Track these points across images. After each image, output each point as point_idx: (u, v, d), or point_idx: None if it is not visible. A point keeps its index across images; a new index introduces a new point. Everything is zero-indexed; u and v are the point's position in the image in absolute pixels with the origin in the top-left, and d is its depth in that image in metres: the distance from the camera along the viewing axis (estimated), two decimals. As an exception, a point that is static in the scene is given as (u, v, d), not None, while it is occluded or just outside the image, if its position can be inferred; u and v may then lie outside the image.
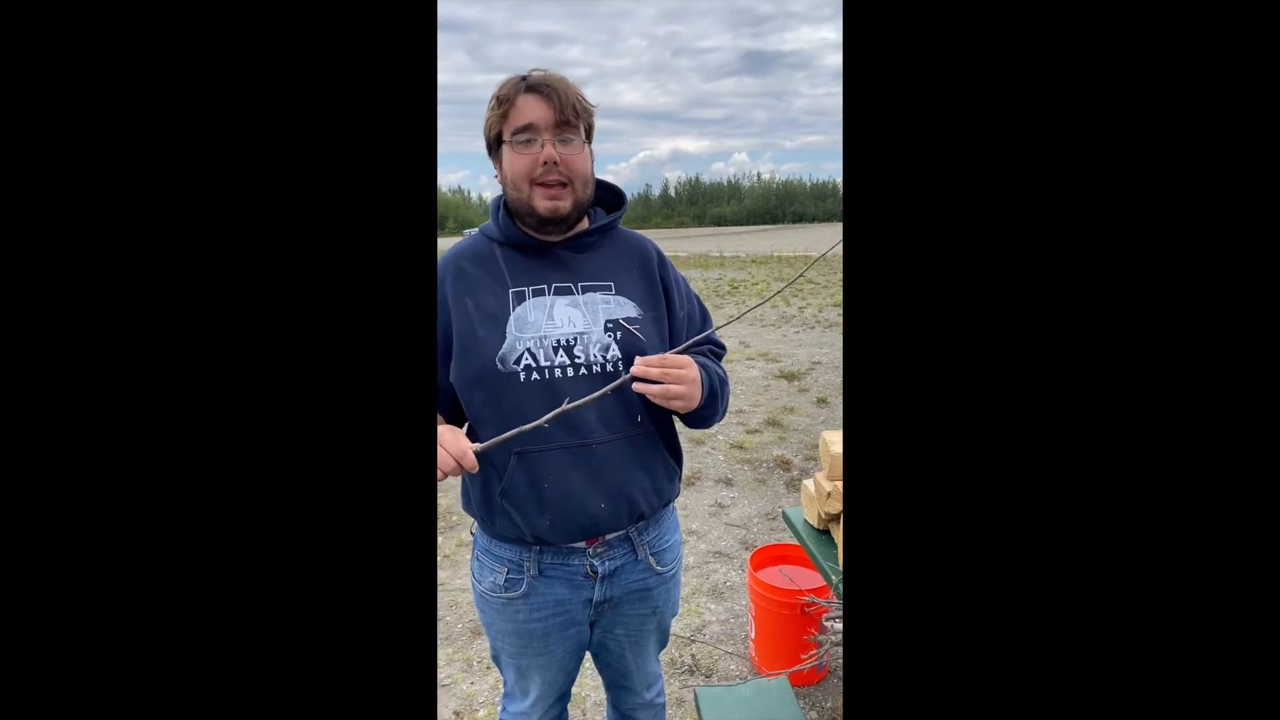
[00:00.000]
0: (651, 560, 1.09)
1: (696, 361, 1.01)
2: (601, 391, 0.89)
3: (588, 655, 1.19)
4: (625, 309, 1.04)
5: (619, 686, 1.25)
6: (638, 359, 0.92)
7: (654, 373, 0.91)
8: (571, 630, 1.07)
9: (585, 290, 1.03)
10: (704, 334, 1.05)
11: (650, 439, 1.04)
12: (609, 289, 1.04)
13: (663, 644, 1.24)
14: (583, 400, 0.87)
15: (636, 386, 0.92)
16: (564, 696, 1.19)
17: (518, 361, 0.97)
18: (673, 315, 1.09)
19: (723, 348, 1.18)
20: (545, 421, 0.86)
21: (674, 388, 0.92)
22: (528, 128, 0.96)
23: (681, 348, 0.97)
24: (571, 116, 0.97)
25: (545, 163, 0.96)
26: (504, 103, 0.97)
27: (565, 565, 1.04)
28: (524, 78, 0.98)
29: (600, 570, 1.05)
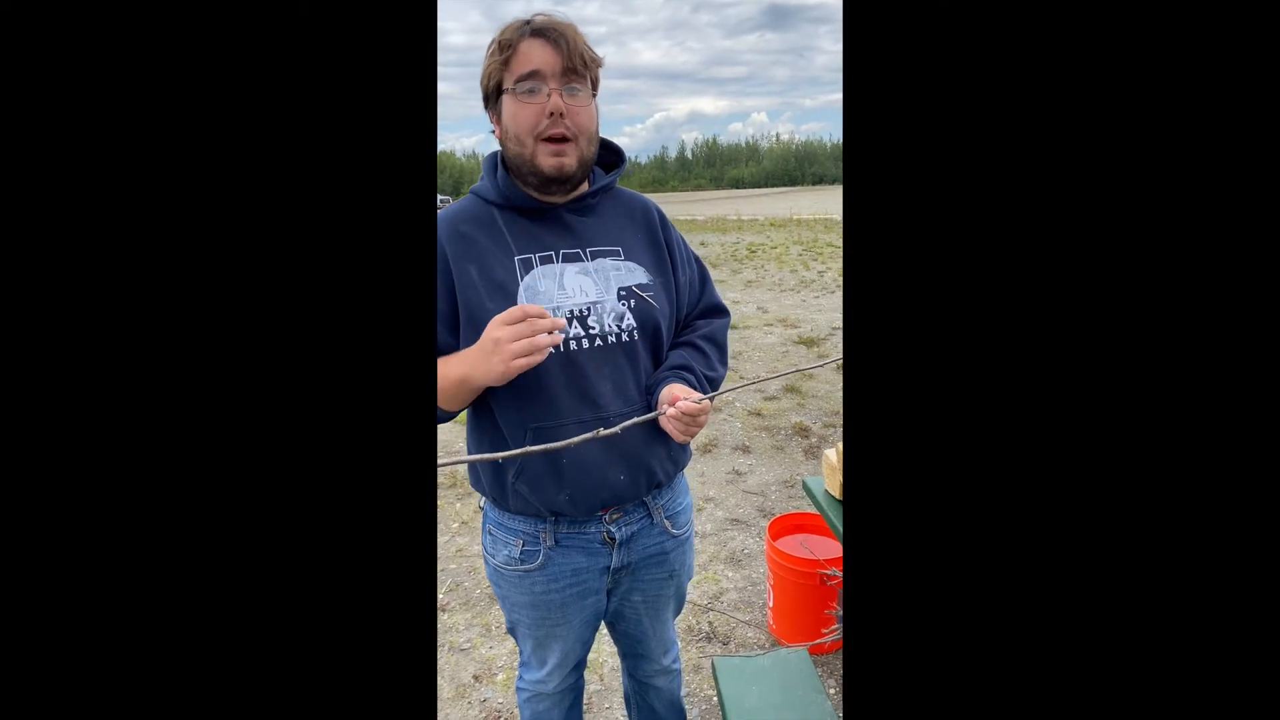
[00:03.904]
0: (667, 523, 1.08)
1: (685, 377, 1.00)
2: (631, 422, 0.85)
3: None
4: (636, 275, 1.00)
5: (636, 655, 1.25)
6: (677, 404, 0.90)
7: (682, 426, 0.92)
8: (589, 600, 1.07)
9: (594, 256, 0.99)
10: (719, 388, 1.02)
11: (654, 408, 1.02)
12: (618, 254, 1.00)
13: (679, 609, 1.23)
14: (619, 427, 0.83)
15: (663, 423, 0.92)
16: (580, 664, 1.20)
17: None
18: (676, 280, 1.06)
19: (727, 314, 1.15)
20: (577, 442, 0.81)
21: (693, 430, 0.94)
22: (533, 75, 0.89)
23: (713, 395, 0.94)
24: (579, 65, 0.90)
25: (551, 114, 0.89)
26: (506, 48, 0.89)
27: (582, 534, 1.03)
28: (528, 21, 0.90)
29: (617, 536, 1.04)
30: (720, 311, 1.14)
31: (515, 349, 0.82)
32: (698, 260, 1.13)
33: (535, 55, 0.89)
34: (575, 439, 0.76)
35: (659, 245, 1.05)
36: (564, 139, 0.91)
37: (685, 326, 1.11)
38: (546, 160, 0.92)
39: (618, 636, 1.24)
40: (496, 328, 0.84)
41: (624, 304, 0.98)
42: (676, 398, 0.91)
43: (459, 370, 0.88)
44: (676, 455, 1.06)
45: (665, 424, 0.92)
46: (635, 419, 0.87)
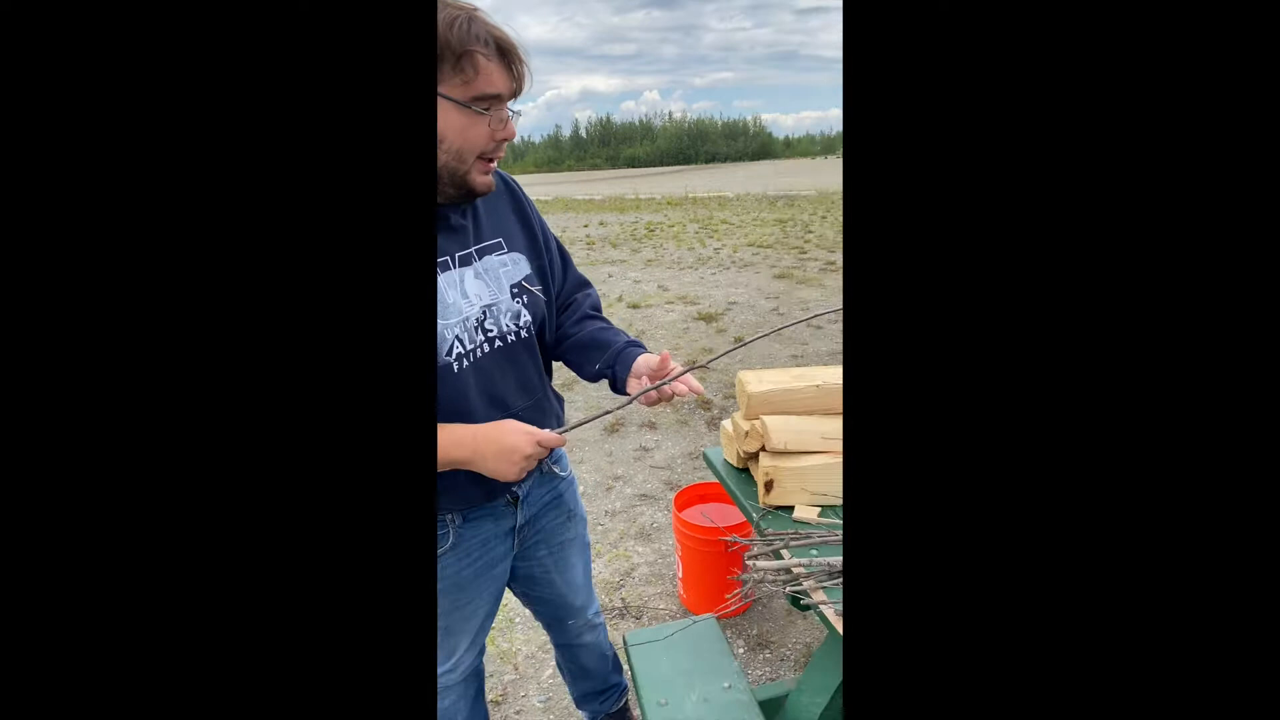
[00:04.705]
0: (554, 469, 1.15)
1: (643, 347, 1.05)
2: (652, 387, 0.95)
3: (520, 608, 1.19)
4: (521, 267, 1.00)
5: (557, 619, 1.27)
6: (690, 385, 0.96)
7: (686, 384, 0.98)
8: (497, 569, 1.08)
9: (482, 255, 0.97)
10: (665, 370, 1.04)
11: (548, 392, 1.06)
12: (501, 248, 0.99)
13: (585, 555, 1.26)
14: (633, 398, 0.98)
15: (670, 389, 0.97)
16: (482, 648, 1.21)
17: (449, 352, 0.90)
18: (549, 258, 1.07)
19: (591, 284, 1.18)
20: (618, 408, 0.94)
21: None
22: (495, 97, 0.84)
23: (678, 372, 0.98)
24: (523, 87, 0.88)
25: (502, 140, 0.87)
26: (463, 62, 0.80)
27: (489, 504, 1.04)
28: (471, 20, 0.81)
29: (520, 493, 1.07)
30: (588, 284, 1.17)
31: (529, 464, 0.90)
32: (556, 240, 1.15)
33: (497, 79, 0.84)
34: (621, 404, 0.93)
35: (531, 226, 1.05)
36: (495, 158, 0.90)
37: (568, 304, 1.12)
38: (480, 179, 0.89)
39: (534, 604, 1.25)
40: (531, 445, 0.89)
41: (518, 301, 0.98)
42: (667, 371, 0.97)
43: (461, 455, 0.89)
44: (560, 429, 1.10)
45: (665, 392, 0.97)
46: (636, 395, 0.96)
